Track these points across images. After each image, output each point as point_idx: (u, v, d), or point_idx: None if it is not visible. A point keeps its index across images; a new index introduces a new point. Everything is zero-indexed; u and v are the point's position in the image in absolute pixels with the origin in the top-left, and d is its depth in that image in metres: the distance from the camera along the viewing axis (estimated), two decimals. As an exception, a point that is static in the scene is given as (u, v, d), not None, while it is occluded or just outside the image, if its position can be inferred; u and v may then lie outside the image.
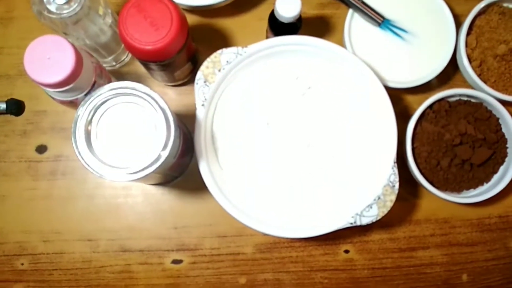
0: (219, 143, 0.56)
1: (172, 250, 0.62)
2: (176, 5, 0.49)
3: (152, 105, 0.45)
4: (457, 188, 0.60)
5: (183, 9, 0.62)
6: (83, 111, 0.44)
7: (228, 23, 0.66)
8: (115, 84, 0.45)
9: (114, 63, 0.63)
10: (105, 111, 0.45)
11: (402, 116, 0.62)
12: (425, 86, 0.62)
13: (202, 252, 0.62)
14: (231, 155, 0.56)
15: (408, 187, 0.63)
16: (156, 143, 0.44)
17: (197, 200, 0.62)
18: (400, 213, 0.63)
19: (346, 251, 0.63)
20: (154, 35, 0.48)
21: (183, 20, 0.50)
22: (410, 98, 0.65)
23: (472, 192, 0.61)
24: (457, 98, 0.61)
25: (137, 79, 0.65)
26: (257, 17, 0.65)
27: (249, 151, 0.55)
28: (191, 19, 0.65)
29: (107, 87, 0.45)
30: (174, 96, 0.65)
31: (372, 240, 0.63)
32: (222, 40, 0.65)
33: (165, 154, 0.45)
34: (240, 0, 0.63)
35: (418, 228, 0.63)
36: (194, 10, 0.64)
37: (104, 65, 0.62)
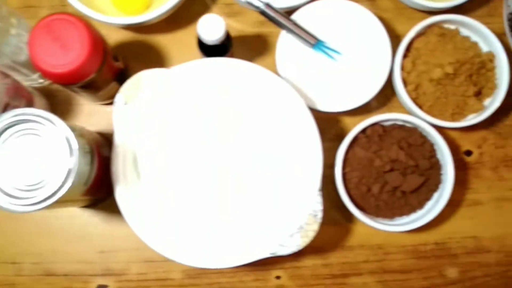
0: (140, 168, 0.54)
1: (98, 275, 0.60)
2: (88, 26, 0.47)
3: (56, 133, 0.43)
4: (390, 214, 0.58)
5: (119, 27, 0.60)
6: (-20, 140, 0.42)
7: (163, 40, 0.64)
8: (17, 110, 0.44)
9: (41, 80, 0.60)
10: (7, 139, 0.44)
11: (338, 139, 0.61)
12: (363, 108, 0.60)
13: (128, 277, 0.60)
14: (153, 181, 0.54)
15: (341, 211, 0.61)
16: (58, 173, 0.43)
17: (125, 223, 0.60)
18: (334, 238, 0.61)
19: (278, 277, 0.61)
20: (64, 58, 0.46)
21: (96, 40, 0.48)
22: (348, 120, 0.63)
23: (405, 218, 0.59)
24: (392, 122, 0.60)
25: (68, 95, 0.63)
26: (192, 34, 0.62)
27: (171, 177, 0.53)
28: (125, 35, 0.63)
29: (11, 113, 0.44)
30: (105, 115, 0.63)
31: (305, 266, 0.61)
32: (156, 57, 0.63)
33: (68, 183, 0.43)
34: (175, 16, 0.60)
35: (351, 253, 0.61)
36: (127, 27, 0.62)
37: (30, 82, 0.60)
